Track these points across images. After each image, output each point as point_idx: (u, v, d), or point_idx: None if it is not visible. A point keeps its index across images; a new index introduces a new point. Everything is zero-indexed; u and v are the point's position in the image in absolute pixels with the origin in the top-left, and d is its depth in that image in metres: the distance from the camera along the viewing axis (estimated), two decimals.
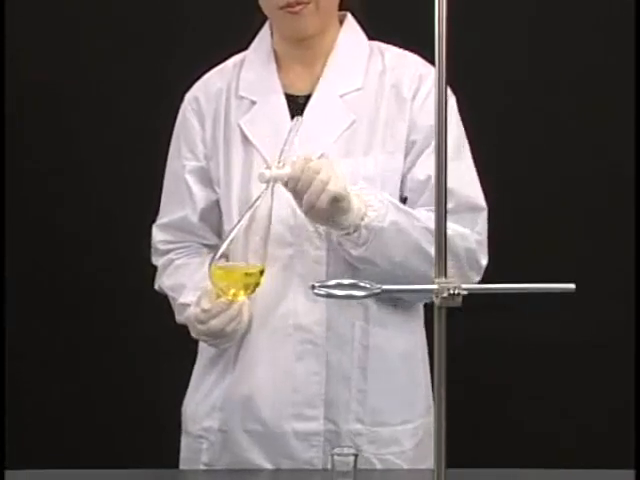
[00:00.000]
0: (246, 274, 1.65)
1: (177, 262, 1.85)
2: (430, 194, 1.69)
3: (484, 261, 1.75)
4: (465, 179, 1.74)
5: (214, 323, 1.67)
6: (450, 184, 1.68)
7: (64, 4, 2.74)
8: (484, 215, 1.75)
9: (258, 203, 1.62)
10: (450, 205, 1.69)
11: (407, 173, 1.74)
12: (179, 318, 1.80)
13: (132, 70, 2.72)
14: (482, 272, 1.74)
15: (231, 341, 1.73)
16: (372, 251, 1.65)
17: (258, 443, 1.74)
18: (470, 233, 1.72)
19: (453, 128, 1.73)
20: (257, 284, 1.66)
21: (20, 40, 2.70)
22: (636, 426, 2.22)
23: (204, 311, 1.67)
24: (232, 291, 1.65)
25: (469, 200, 1.73)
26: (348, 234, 1.64)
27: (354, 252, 1.66)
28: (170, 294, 1.83)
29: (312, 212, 1.59)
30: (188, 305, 1.74)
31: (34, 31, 2.74)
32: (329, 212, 1.59)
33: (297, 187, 1.57)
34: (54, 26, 2.74)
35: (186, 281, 1.80)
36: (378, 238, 1.64)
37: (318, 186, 1.56)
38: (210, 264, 1.64)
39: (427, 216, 1.68)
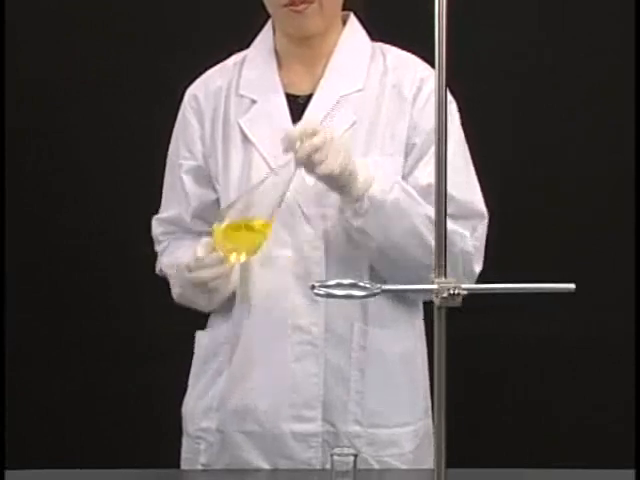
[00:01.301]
0: (251, 232, 1.63)
1: (175, 243, 1.87)
2: (431, 200, 1.69)
3: (478, 269, 1.75)
4: (466, 185, 1.74)
5: (202, 273, 1.66)
6: (451, 190, 1.68)
7: (65, 3, 2.74)
8: (484, 223, 1.75)
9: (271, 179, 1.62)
10: (450, 210, 1.69)
11: (407, 177, 1.74)
12: (173, 289, 1.79)
13: (133, 69, 2.72)
14: (474, 280, 1.74)
15: (206, 301, 1.73)
16: (371, 224, 1.66)
17: (256, 444, 1.74)
18: (469, 237, 1.72)
19: (454, 134, 1.74)
20: (261, 243, 1.64)
21: (20, 39, 2.70)
22: (636, 426, 2.22)
23: (197, 259, 1.66)
24: (234, 255, 1.64)
25: (470, 206, 1.73)
26: (352, 202, 1.65)
27: (354, 222, 1.66)
28: (168, 272, 1.83)
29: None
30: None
31: (34, 30, 2.74)
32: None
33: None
34: (55, 25, 2.74)
35: (182, 255, 1.79)
36: (378, 211, 1.65)
37: (311, 165, 1.59)
38: (214, 226, 1.64)
39: (430, 207, 1.67)
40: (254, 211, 1.62)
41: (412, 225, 1.67)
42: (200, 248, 1.68)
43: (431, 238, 1.66)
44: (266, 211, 1.62)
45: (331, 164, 1.58)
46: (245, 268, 1.72)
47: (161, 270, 1.88)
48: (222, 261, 1.65)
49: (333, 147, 1.59)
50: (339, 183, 1.62)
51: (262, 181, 1.63)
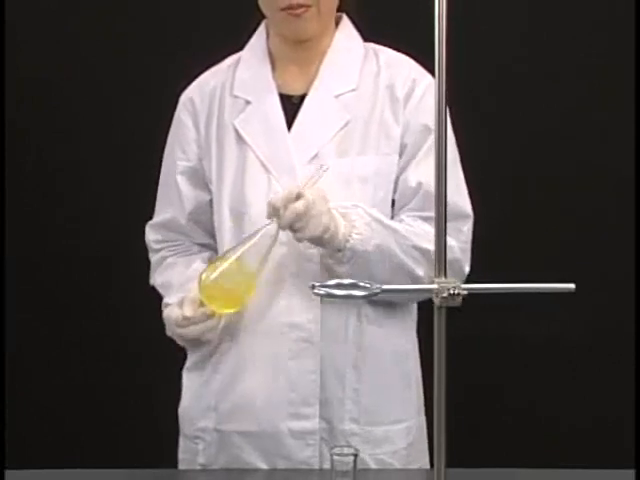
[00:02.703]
0: (237, 285, 1.66)
1: (167, 261, 1.87)
2: (419, 199, 1.72)
3: (467, 268, 1.76)
4: (454, 187, 1.74)
5: (193, 329, 1.70)
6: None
7: (65, 3, 2.74)
8: (470, 223, 1.77)
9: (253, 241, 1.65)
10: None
11: (399, 177, 1.75)
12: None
13: (133, 69, 2.72)
14: (464, 279, 1.75)
15: (203, 348, 1.76)
16: (355, 269, 1.67)
17: (254, 443, 1.73)
18: (455, 244, 1.73)
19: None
20: (247, 295, 1.67)
21: (20, 39, 2.70)
22: (636, 426, 2.22)
23: (185, 318, 1.69)
24: (222, 310, 1.69)
25: (457, 208, 1.74)
26: (334, 253, 1.67)
27: (337, 268, 1.68)
28: (160, 291, 1.85)
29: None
30: (171, 305, 1.76)
31: (34, 30, 2.74)
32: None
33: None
34: (55, 25, 2.74)
35: (173, 281, 1.82)
36: (362, 259, 1.67)
37: (294, 230, 1.62)
38: (200, 279, 1.66)
39: (414, 231, 1.69)
40: (243, 264, 1.65)
41: (399, 263, 1.69)
42: (187, 307, 1.69)
43: (419, 270, 1.69)
44: (253, 264, 1.65)
45: (312, 229, 1.62)
46: None
47: (153, 285, 1.89)
48: (209, 316, 1.69)
49: (315, 210, 1.61)
50: (321, 242, 1.65)
51: (254, 233, 1.65)
